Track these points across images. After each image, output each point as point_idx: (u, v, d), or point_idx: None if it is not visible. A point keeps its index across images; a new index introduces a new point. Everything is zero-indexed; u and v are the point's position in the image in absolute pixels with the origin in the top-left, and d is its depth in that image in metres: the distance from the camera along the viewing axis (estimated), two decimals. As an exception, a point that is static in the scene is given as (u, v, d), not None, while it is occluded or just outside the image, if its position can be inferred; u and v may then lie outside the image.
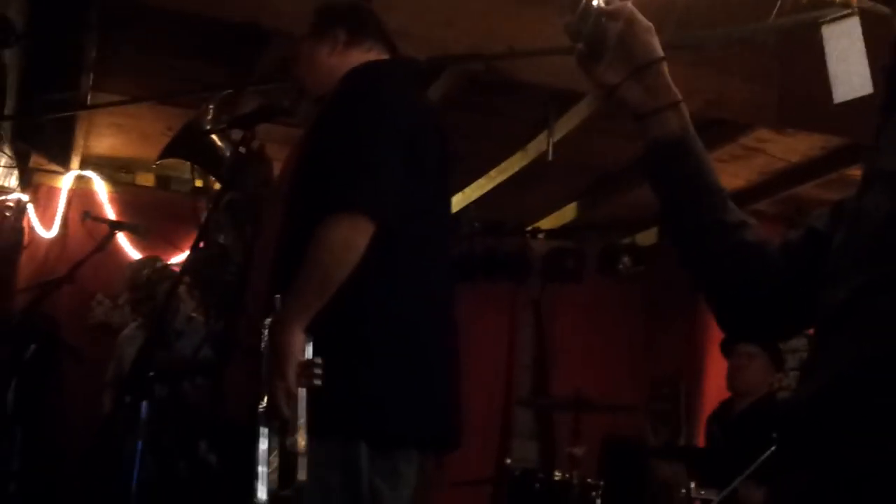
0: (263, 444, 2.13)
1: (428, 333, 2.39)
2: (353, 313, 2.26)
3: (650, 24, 1.51)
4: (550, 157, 5.34)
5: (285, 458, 2.09)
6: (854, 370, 1.21)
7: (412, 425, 2.33)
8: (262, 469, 2.10)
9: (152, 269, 5.31)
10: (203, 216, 3.34)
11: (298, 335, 2.18)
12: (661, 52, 1.51)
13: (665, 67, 1.52)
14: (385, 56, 2.67)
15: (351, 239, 2.22)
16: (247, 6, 4.18)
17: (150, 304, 5.25)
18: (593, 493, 4.97)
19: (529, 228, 7.41)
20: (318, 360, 2.14)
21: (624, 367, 7.50)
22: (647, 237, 7.43)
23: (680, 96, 1.51)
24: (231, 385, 2.47)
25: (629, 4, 1.50)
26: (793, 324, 1.59)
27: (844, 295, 1.26)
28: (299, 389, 2.14)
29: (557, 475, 5.12)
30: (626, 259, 7.19)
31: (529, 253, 7.46)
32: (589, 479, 5.05)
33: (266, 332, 2.23)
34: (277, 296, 2.24)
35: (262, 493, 2.08)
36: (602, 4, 1.46)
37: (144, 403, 4.42)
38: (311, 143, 2.46)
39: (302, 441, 2.08)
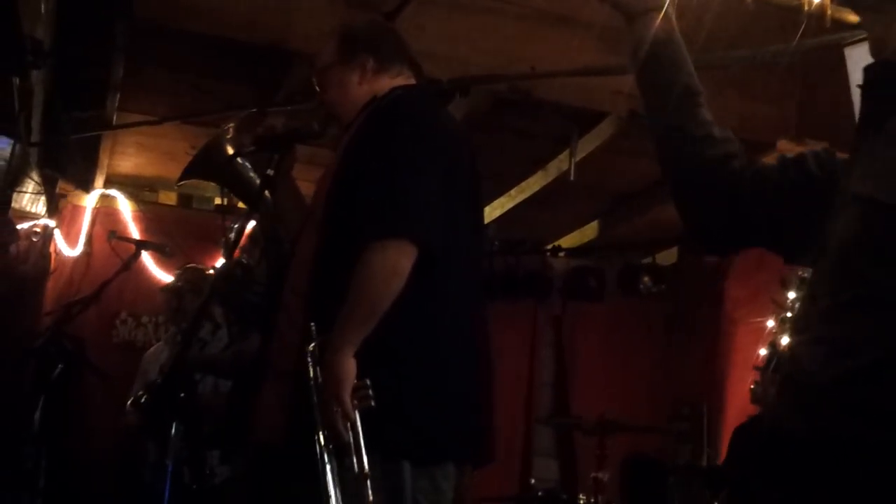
0: (328, 469, 2.16)
1: (463, 352, 2.43)
2: (391, 334, 2.29)
3: None
4: (572, 177, 5.35)
5: (349, 481, 2.13)
6: None
7: (451, 441, 2.37)
8: (332, 493, 2.12)
9: (183, 277, 5.35)
10: (227, 235, 3.36)
11: (350, 360, 2.22)
12: None
13: None
14: (412, 79, 2.70)
15: (398, 264, 2.27)
16: (273, 29, 4.22)
17: (181, 317, 5.29)
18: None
19: (550, 247, 7.41)
20: (368, 382, 2.18)
21: (645, 387, 7.47)
22: (667, 256, 7.43)
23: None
24: (261, 405, 2.48)
25: None
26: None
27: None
28: (355, 412, 2.18)
29: (581, 499, 5.12)
30: (646, 278, 7.19)
31: (550, 272, 7.46)
32: (610, 499, 5.03)
33: (309, 358, 2.25)
34: (313, 325, 2.27)
35: None
36: None
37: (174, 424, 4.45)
38: (345, 169, 2.49)
39: (365, 462, 2.12)
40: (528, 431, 7.37)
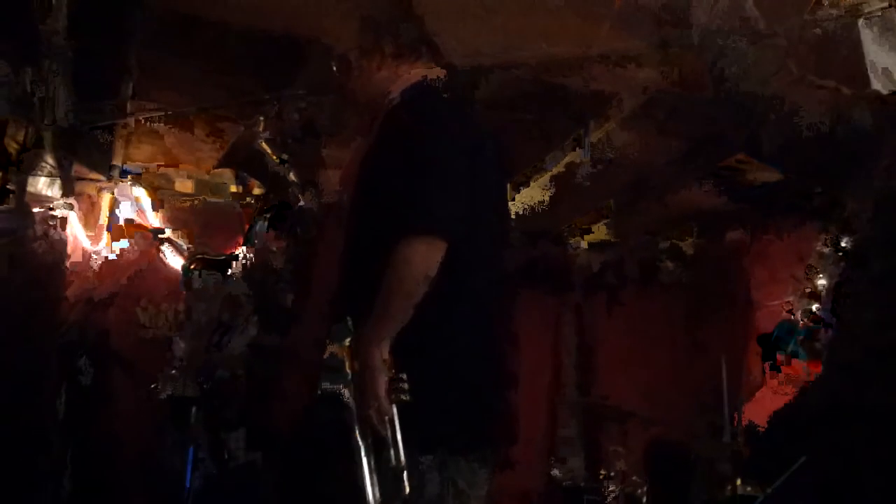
0: (364, 462, 2.18)
1: (487, 344, 2.48)
2: (419, 326, 2.33)
3: None
4: (588, 161, 5.34)
5: (386, 474, 2.17)
6: None
7: (482, 427, 2.43)
8: (368, 486, 2.15)
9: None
10: (245, 223, 3.40)
11: (384, 355, 2.25)
12: None
13: None
14: (431, 64, 2.72)
15: (430, 260, 2.31)
16: (287, 18, 4.23)
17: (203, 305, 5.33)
18: (639, 492, 4.96)
19: (568, 231, 7.39)
20: (403, 376, 2.22)
21: (668, 374, 7.45)
22: (688, 241, 7.39)
23: None
24: (285, 394, 2.53)
25: None
26: None
27: None
28: (390, 406, 2.21)
29: (605, 485, 5.13)
30: (667, 262, 7.15)
31: (570, 259, 7.45)
32: (635, 486, 5.04)
33: (345, 354, 2.28)
34: (349, 319, 2.31)
35: None
36: None
37: (194, 408, 4.50)
38: (372, 164, 2.52)
39: (402, 454, 2.16)
40: (552, 422, 7.36)
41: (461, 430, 2.36)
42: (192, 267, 5.19)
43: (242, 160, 3.65)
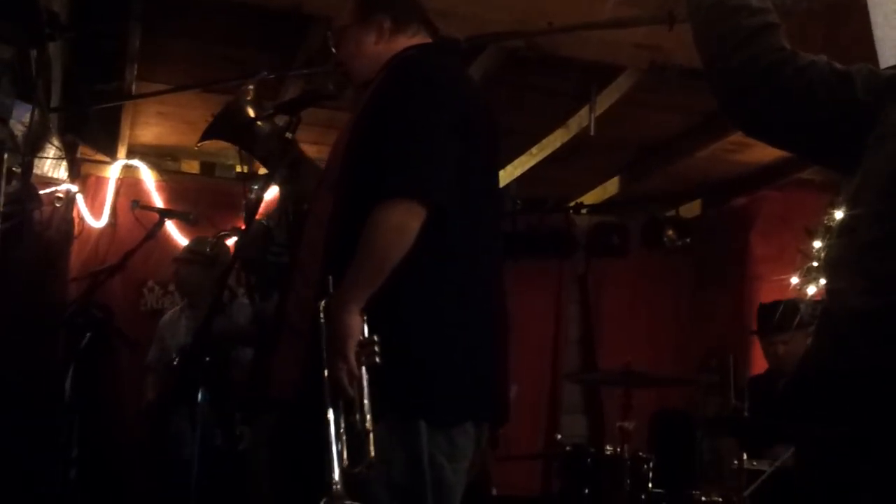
0: (332, 425, 2.16)
1: (479, 312, 2.43)
2: (407, 294, 2.31)
3: None
4: (593, 132, 5.34)
5: (353, 437, 2.14)
6: None
7: (467, 400, 2.38)
8: (334, 449, 2.12)
9: (190, 248, 5.40)
10: (248, 198, 3.38)
11: (356, 316, 2.22)
12: None
13: None
14: (428, 39, 2.70)
15: (405, 224, 2.27)
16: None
17: (188, 287, 5.33)
18: (644, 467, 4.98)
19: (572, 204, 7.39)
20: (376, 339, 2.18)
21: (671, 341, 7.49)
22: (691, 209, 7.40)
23: None
24: (277, 362, 2.51)
25: None
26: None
27: None
28: (361, 369, 2.18)
29: (608, 450, 5.14)
30: (670, 232, 7.16)
31: (573, 229, 7.46)
32: (640, 453, 5.06)
33: (321, 314, 2.27)
34: (330, 278, 2.29)
35: (335, 472, 2.11)
36: None
37: (201, 389, 4.51)
38: (360, 129, 2.49)
39: (368, 419, 2.13)
40: (555, 389, 7.40)
41: (443, 401, 2.32)
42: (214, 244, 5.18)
43: (230, 130, 3.60)
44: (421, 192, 2.29)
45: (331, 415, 2.17)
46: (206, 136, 3.60)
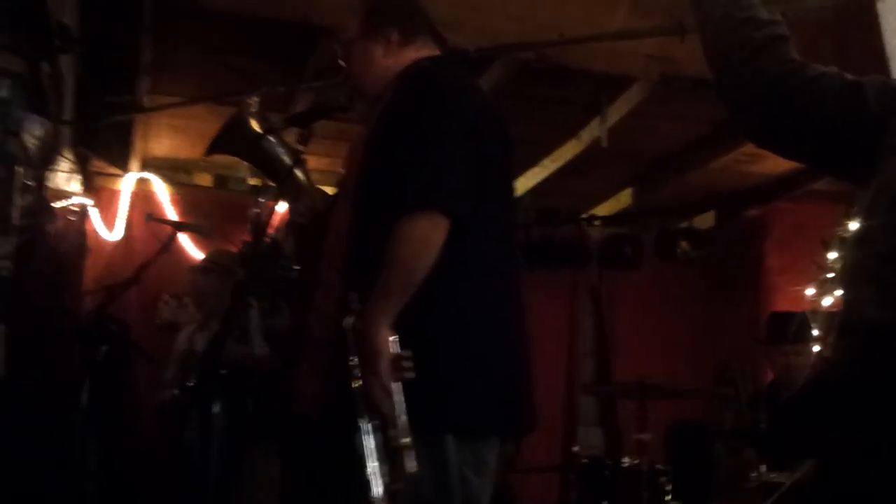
0: (369, 440, 2.16)
1: (501, 322, 2.44)
2: (429, 307, 2.31)
3: None
4: (605, 144, 5.33)
5: (390, 453, 2.14)
6: None
7: (494, 415, 2.39)
8: (372, 465, 2.13)
9: (208, 259, 5.40)
10: (254, 213, 3.37)
11: (386, 332, 2.22)
12: None
13: None
14: (436, 52, 2.71)
15: (430, 236, 2.28)
16: (298, 4, 4.22)
17: (205, 299, 5.32)
18: (662, 479, 4.96)
19: (585, 215, 7.38)
20: (408, 353, 2.19)
21: (686, 352, 7.45)
22: (704, 220, 7.38)
23: None
24: (299, 377, 2.50)
25: None
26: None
27: None
28: (394, 384, 2.18)
29: (625, 462, 5.12)
30: (684, 243, 7.14)
31: (586, 240, 7.44)
32: (657, 465, 5.03)
33: (349, 331, 2.27)
34: (355, 294, 2.29)
35: (377, 488, 2.11)
36: None
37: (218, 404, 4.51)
38: (375, 142, 2.49)
39: (405, 433, 2.13)
40: (570, 401, 7.38)
41: (471, 416, 2.34)
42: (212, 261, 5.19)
43: (236, 144, 3.60)
44: (442, 202, 2.30)
45: (367, 431, 2.17)
46: (211, 149, 3.60)
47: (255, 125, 3.60)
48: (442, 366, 2.29)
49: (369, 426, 2.17)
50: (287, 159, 3.54)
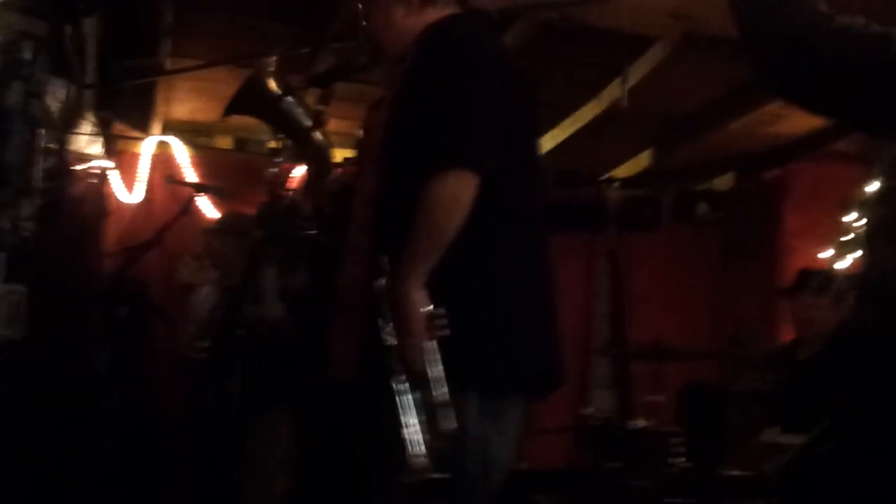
0: (406, 401, 2.16)
1: (527, 281, 2.43)
2: (457, 267, 2.30)
3: None
4: (625, 104, 5.31)
5: (428, 410, 2.14)
6: None
7: (519, 373, 2.39)
8: (412, 424, 2.13)
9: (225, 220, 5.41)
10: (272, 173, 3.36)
11: (419, 291, 2.23)
12: None
13: None
14: (458, 11, 2.67)
15: (460, 194, 2.26)
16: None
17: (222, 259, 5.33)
18: (673, 440, 4.97)
19: (604, 177, 7.37)
20: (442, 311, 2.19)
21: (702, 314, 7.45)
22: (723, 182, 7.36)
23: None
24: (332, 344, 2.51)
25: None
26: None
27: None
28: (429, 342, 2.19)
29: (637, 424, 5.14)
30: (702, 205, 7.13)
31: (605, 202, 7.42)
32: (668, 427, 5.05)
33: (381, 293, 2.26)
34: (385, 257, 2.28)
35: (418, 447, 2.11)
36: None
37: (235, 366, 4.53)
38: (401, 103, 2.47)
39: (444, 391, 2.13)
40: (585, 363, 7.39)
41: (498, 373, 2.34)
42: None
43: (254, 105, 3.60)
44: (471, 160, 2.28)
45: (403, 391, 2.16)
46: (229, 110, 3.59)
47: (273, 85, 3.59)
48: (466, 324, 2.27)
49: (405, 386, 2.17)
50: (306, 120, 3.53)
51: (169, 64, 5.19)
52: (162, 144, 6.43)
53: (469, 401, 2.28)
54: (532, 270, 2.46)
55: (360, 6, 2.78)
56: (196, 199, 5.24)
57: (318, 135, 3.63)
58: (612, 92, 5.61)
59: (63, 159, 4.55)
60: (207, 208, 6.22)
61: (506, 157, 2.35)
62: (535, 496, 5.03)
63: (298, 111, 3.60)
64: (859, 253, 4.92)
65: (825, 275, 4.98)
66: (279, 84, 3.54)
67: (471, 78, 2.38)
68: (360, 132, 2.76)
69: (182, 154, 6.45)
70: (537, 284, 2.47)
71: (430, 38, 2.52)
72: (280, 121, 3.63)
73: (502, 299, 2.36)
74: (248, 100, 3.56)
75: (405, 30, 2.62)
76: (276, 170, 2.89)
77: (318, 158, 3.67)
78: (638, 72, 5.31)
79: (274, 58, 3.67)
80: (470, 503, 2.31)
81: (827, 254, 5.43)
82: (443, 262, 2.27)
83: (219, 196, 5.74)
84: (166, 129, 6.45)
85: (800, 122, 5.95)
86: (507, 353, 2.35)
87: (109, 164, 5.51)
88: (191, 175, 6.37)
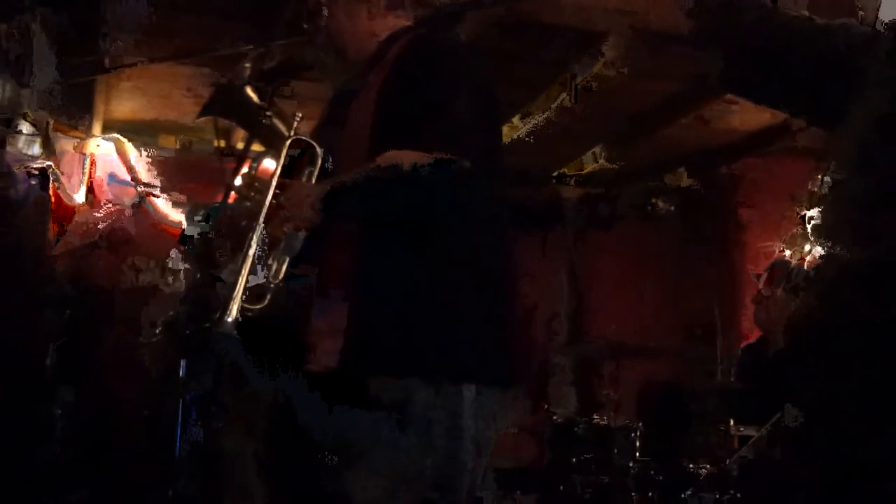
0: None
1: (504, 276, 2.48)
2: (439, 265, 2.35)
3: None
4: (575, 101, 5.29)
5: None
6: None
7: (503, 367, 2.42)
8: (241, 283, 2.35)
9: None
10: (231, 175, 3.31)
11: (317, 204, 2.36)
12: None
13: None
14: (419, 10, 2.67)
15: (435, 181, 2.28)
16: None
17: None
18: (633, 436, 5.02)
19: (557, 174, 7.34)
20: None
21: (660, 310, 7.48)
22: (677, 178, 7.36)
23: None
24: (311, 333, 2.47)
25: None
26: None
27: None
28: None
29: (597, 420, 5.18)
30: (657, 201, 7.14)
31: (560, 200, 7.42)
32: (628, 423, 5.09)
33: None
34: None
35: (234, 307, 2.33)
36: None
37: (183, 361, 4.47)
38: (384, 113, 2.45)
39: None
40: (544, 361, 7.39)
41: (489, 366, 2.38)
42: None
43: (225, 108, 3.53)
44: (445, 151, 2.29)
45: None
46: (203, 112, 3.54)
47: (250, 92, 3.55)
48: (455, 318, 2.32)
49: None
50: (280, 125, 3.49)
51: (108, 62, 5.09)
52: (104, 144, 6.32)
53: (463, 393, 2.32)
54: (503, 266, 2.49)
55: (316, 3, 2.71)
56: (140, 198, 5.14)
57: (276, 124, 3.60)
58: (562, 89, 5.58)
59: (2, 160, 4.47)
60: (151, 209, 6.14)
61: (481, 154, 2.38)
62: (500, 493, 5.07)
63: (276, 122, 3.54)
64: (810, 247, 4.97)
65: (789, 268, 5.03)
66: (256, 91, 3.49)
67: (456, 97, 2.39)
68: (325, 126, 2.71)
69: (125, 153, 6.35)
70: (508, 279, 2.51)
71: (409, 48, 2.50)
72: (247, 121, 3.57)
73: (486, 295, 2.40)
74: (220, 103, 3.50)
75: (370, 33, 2.61)
76: (249, 170, 2.83)
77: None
78: (587, 69, 5.27)
79: (248, 64, 3.61)
80: (461, 493, 2.35)
81: (780, 247, 5.46)
82: (427, 258, 2.33)
83: (163, 195, 5.67)
84: (108, 129, 6.34)
85: (750, 117, 5.97)
86: (494, 347, 2.39)
87: (50, 164, 5.41)
88: (135, 175, 6.27)
